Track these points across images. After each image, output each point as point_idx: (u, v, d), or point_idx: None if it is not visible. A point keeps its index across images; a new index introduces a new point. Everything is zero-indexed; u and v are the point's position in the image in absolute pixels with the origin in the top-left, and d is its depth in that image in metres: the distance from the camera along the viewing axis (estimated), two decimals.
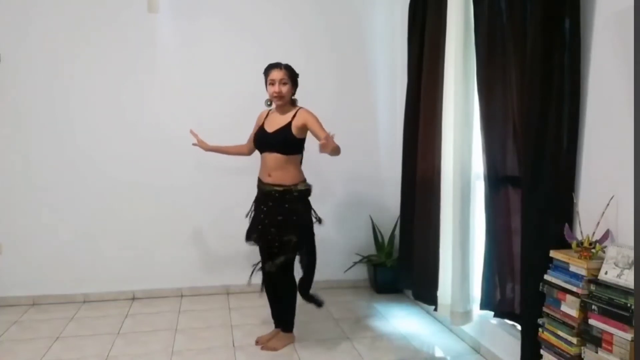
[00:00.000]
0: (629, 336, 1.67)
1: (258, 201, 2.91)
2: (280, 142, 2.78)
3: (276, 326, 3.01)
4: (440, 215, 2.95)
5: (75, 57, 3.61)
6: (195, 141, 3.13)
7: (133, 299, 3.79)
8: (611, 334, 1.73)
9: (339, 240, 4.06)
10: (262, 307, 3.57)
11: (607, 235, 1.92)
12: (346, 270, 4.02)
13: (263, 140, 2.85)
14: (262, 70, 2.86)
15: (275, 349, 2.87)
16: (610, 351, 1.73)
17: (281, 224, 2.75)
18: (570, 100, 2.09)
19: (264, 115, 2.96)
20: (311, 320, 3.31)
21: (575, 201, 2.10)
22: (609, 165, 1.97)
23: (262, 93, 3.84)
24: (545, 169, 2.14)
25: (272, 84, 2.77)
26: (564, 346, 1.95)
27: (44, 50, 3.56)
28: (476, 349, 2.88)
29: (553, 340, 2.01)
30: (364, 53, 4.05)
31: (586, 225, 2.00)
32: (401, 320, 3.39)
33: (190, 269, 3.89)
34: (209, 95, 3.81)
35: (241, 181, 3.89)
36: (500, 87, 2.50)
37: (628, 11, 1.79)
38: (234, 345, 2.95)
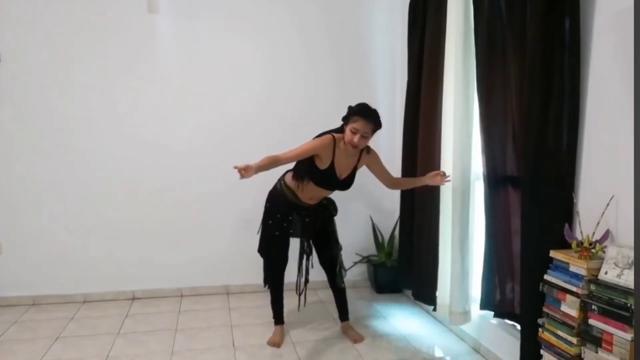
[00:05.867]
0: (629, 336, 1.67)
1: (286, 208, 2.89)
2: (346, 187, 2.85)
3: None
4: (440, 216, 2.95)
5: (75, 57, 3.61)
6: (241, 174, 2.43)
7: (133, 299, 3.79)
8: (611, 334, 1.73)
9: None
10: (262, 307, 3.57)
11: (607, 235, 1.92)
12: (346, 270, 4.01)
13: (332, 185, 2.81)
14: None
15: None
16: (610, 351, 1.73)
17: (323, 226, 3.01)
18: (570, 101, 2.09)
19: (332, 148, 2.70)
20: (311, 320, 3.31)
21: (575, 201, 2.10)
22: (609, 165, 1.97)
23: (265, 93, 3.87)
24: (545, 169, 2.14)
25: (355, 132, 2.61)
26: (564, 346, 1.95)
27: (44, 51, 3.56)
28: (476, 349, 2.88)
29: (553, 340, 2.01)
30: (364, 53, 4.05)
31: (586, 225, 2.00)
32: (401, 320, 3.39)
33: (190, 269, 3.89)
34: (209, 96, 3.81)
35: (240, 181, 3.89)
36: (500, 88, 2.50)
37: (628, 11, 1.79)
38: (234, 345, 2.95)
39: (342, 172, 2.77)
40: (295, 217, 2.92)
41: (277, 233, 2.90)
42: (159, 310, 3.55)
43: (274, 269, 3.00)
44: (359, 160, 2.82)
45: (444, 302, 2.93)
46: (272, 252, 2.98)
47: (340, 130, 2.75)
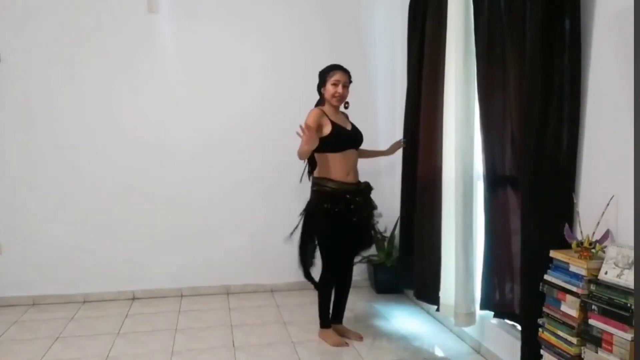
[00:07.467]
0: (629, 336, 1.66)
1: (334, 198, 2.82)
2: (358, 138, 2.93)
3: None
4: (442, 216, 2.93)
5: (76, 58, 3.61)
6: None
7: (133, 299, 3.79)
8: (611, 334, 1.73)
9: None
10: (262, 307, 3.58)
11: (607, 235, 1.92)
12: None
13: (352, 138, 2.87)
14: (318, 70, 2.92)
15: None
16: (610, 351, 1.73)
17: (369, 217, 3.00)
18: (570, 100, 2.09)
19: (325, 115, 2.85)
20: (311, 320, 3.31)
21: (575, 201, 2.10)
22: (609, 165, 1.97)
23: (266, 93, 3.87)
24: (545, 169, 2.14)
25: (336, 84, 2.82)
26: (564, 346, 1.95)
27: (44, 51, 3.56)
28: (476, 349, 2.88)
29: (553, 340, 2.01)
30: (364, 53, 4.05)
31: (586, 225, 2.00)
32: (401, 320, 3.39)
33: (190, 269, 3.89)
34: (209, 96, 3.81)
35: (239, 181, 3.90)
36: (500, 87, 2.50)
37: (628, 11, 1.79)
38: (234, 345, 2.95)
39: (346, 126, 2.93)
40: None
41: (336, 222, 2.82)
42: (159, 310, 3.55)
43: (336, 265, 2.93)
44: (347, 117, 3.02)
45: (448, 302, 2.89)
46: (336, 247, 2.89)
47: (319, 103, 2.94)
